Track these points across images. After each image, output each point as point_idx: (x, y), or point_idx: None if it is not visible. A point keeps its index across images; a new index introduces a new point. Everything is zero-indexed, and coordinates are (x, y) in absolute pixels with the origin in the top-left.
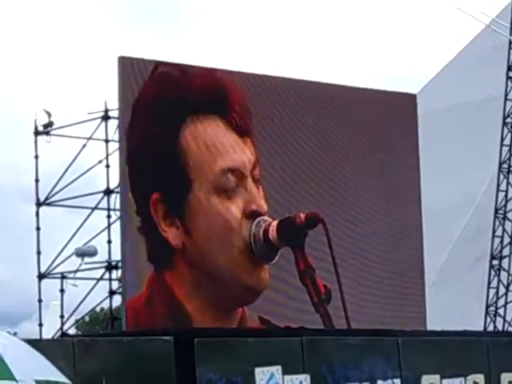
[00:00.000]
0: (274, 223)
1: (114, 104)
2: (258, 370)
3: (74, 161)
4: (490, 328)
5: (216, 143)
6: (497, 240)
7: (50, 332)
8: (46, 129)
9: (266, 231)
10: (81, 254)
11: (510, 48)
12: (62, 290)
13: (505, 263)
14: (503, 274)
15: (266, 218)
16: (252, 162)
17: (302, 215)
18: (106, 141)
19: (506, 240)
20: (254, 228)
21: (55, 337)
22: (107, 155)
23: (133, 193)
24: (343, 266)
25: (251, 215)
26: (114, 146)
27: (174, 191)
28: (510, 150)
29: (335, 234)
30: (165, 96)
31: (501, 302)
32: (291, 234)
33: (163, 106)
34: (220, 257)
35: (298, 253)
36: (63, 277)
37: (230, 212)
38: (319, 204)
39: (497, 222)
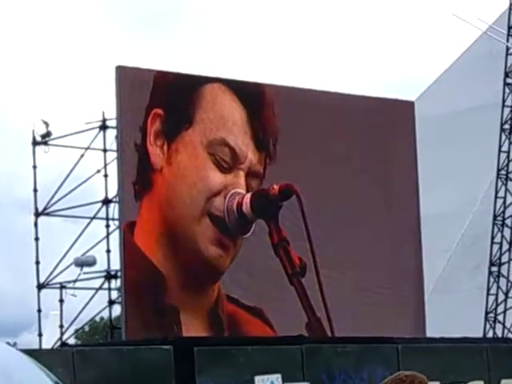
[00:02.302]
0: (248, 195)
1: (111, 114)
2: (257, 379)
3: (72, 171)
4: (490, 334)
5: (228, 118)
6: (496, 246)
7: (49, 342)
8: (44, 139)
9: (239, 204)
10: (80, 263)
11: (507, 54)
12: (61, 300)
13: (504, 270)
14: (502, 281)
15: (239, 190)
16: (253, 162)
17: (276, 187)
18: (104, 150)
19: (505, 246)
20: (227, 201)
21: (55, 347)
22: (105, 165)
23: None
24: (342, 274)
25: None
26: (111, 156)
27: (176, 118)
28: (507, 157)
29: (334, 242)
30: None
31: (500, 308)
32: (265, 206)
33: None
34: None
35: (271, 225)
36: (62, 287)
37: (215, 176)
38: (317, 210)
39: (495, 229)
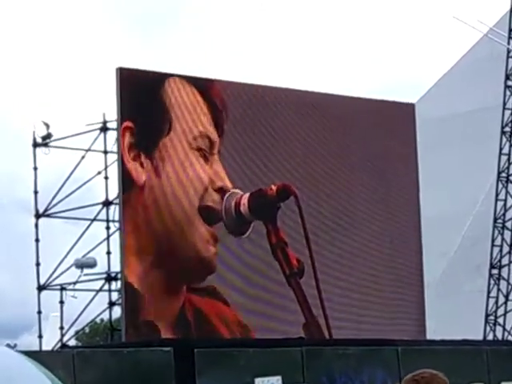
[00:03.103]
0: (246, 196)
1: (112, 115)
2: (258, 381)
3: (72, 172)
4: (490, 337)
5: (197, 110)
6: (496, 249)
7: (49, 343)
8: (45, 141)
9: (237, 204)
10: (80, 265)
11: (507, 57)
12: (61, 302)
13: (504, 272)
14: (503, 283)
15: (237, 191)
16: (216, 144)
17: (274, 187)
18: (105, 152)
19: (505, 249)
20: (225, 201)
21: (55, 348)
22: (106, 166)
23: None
24: (344, 276)
25: (218, 190)
26: (112, 158)
27: (149, 126)
28: (508, 159)
29: (334, 243)
30: None
31: (500, 310)
32: (263, 207)
33: None
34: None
35: (269, 226)
36: (63, 288)
37: (204, 170)
38: (318, 213)
39: (496, 231)
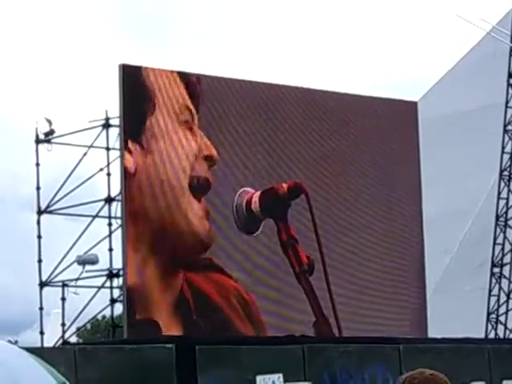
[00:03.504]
0: (257, 194)
1: (114, 112)
2: (259, 378)
3: (74, 169)
4: (492, 335)
5: (177, 84)
6: (498, 247)
7: (51, 340)
8: (47, 137)
9: (248, 202)
10: (82, 262)
11: (510, 55)
12: (63, 298)
13: (506, 271)
14: (504, 282)
15: (248, 189)
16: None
17: (285, 185)
18: (107, 149)
19: (507, 247)
20: (236, 199)
21: (57, 345)
22: (108, 163)
23: None
24: (345, 273)
25: (205, 158)
26: (114, 154)
27: (134, 112)
28: (510, 158)
29: (336, 241)
30: None
31: (502, 309)
32: (274, 205)
33: None
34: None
35: (280, 224)
36: (64, 285)
37: (194, 141)
38: (320, 210)
39: (498, 230)
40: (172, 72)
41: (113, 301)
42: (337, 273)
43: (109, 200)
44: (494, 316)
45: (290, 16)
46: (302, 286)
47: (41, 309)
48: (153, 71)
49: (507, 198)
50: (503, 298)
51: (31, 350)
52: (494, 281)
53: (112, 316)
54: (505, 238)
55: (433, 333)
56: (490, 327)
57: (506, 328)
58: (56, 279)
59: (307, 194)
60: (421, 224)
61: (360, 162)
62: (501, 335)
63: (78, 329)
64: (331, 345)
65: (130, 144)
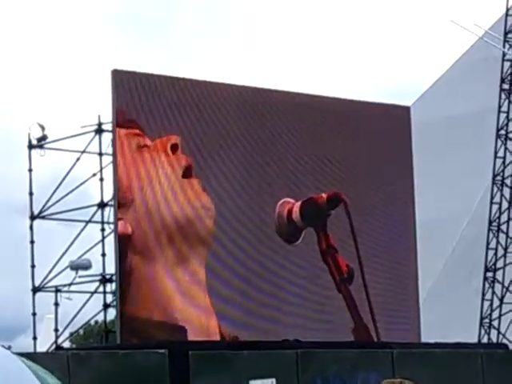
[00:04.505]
0: (298, 204)
1: (107, 117)
2: (252, 383)
3: (67, 174)
4: (485, 340)
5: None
6: (491, 252)
7: (44, 345)
8: (40, 142)
9: (289, 211)
10: (75, 267)
11: (503, 60)
12: (56, 304)
13: (499, 275)
14: (497, 286)
15: (289, 199)
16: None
17: (324, 195)
18: (100, 154)
19: (500, 252)
20: (278, 208)
21: (50, 350)
22: (101, 168)
23: None
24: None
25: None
26: (107, 160)
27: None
28: (503, 162)
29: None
30: None
31: (495, 313)
32: (314, 214)
33: None
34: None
35: (320, 233)
36: (57, 290)
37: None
38: None
39: (491, 234)
40: (167, 77)
41: (106, 306)
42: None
43: (102, 205)
44: (487, 321)
45: (284, 22)
46: (342, 294)
47: (34, 314)
48: (145, 76)
49: (500, 203)
50: (496, 302)
51: (24, 356)
52: (487, 285)
53: (105, 321)
54: (498, 242)
55: (426, 337)
56: (483, 332)
57: (499, 332)
58: (49, 284)
59: (346, 203)
60: (414, 229)
61: (352, 167)
62: (494, 340)
63: (71, 334)
64: (324, 350)
65: (119, 213)
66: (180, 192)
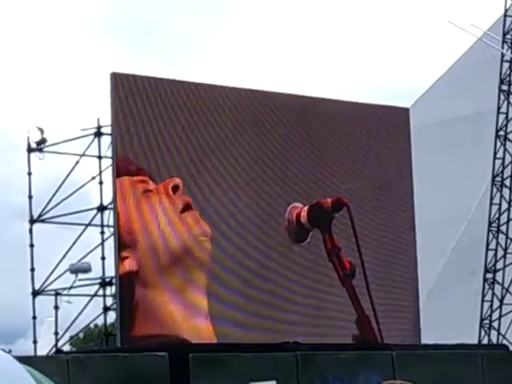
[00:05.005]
0: (305, 208)
1: (106, 120)
2: None
3: (67, 177)
4: (485, 341)
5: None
6: (491, 253)
7: (44, 349)
8: (39, 146)
9: (298, 215)
10: (75, 270)
11: (502, 61)
12: (56, 307)
13: (499, 276)
14: (497, 287)
15: (297, 204)
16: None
17: (329, 200)
18: (99, 157)
19: (500, 253)
20: (287, 213)
21: (50, 353)
22: (100, 171)
23: None
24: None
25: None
26: (106, 163)
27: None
28: (502, 163)
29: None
30: None
31: (495, 315)
32: (319, 217)
33: None
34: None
35: (325, 234)
36: (57, 293)
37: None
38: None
39: (490, 235)
40: (166, 80)
41: (106, 309)
42: (334, 277)
43: (101, 208)
44: (487, 322)
45: (281, 23)
46: (346, 288)
47: (34, 318)
48: (144, 79)
49: (499, 204)
50: (496, 303)
51: (24, 359)
52: (487, 286)
53: (105, 324)
54: (497, 243)
55: (426, 339)
56: (483, 333)
57: (499, 334)
58: (49, 288)
59: (348, 206)
60: (413, 230)
61: (351, 169)
62: (494, 341)
63: (71, 337)
64: (324, 352)
65: (124, 253)
66: (180, 225)
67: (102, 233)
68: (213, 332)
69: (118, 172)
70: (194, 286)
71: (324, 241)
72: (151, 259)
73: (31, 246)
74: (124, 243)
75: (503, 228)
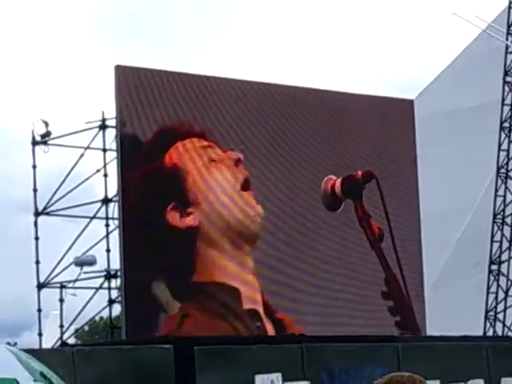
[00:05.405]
0: (339, 180)
1: (111, 113)
2: (258, 378)
3: (71, 170)
4: (490, 333)
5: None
6: (496, 245)
7: (50, 341)
8: (44, 138)
9: (332, 186)
10: (80, 263)
11: (506, 52)
12: (61, 300)
13: (504, 268)
14: (502, 279)
15: (332, 176)
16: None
17: (360, 172)
18: (104, 150)
19: (505, 245)
20: (323, 184)
21: (55, 346)
22: (105, 164)
23: None
24: (343, 271)
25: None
26: (111, 155)
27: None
28: (507, 155)
29: (334, 234)
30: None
31: (500, 306)
32: (351, 187)
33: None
34: None
35: (357, 203)
36: (62, 286)
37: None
38: (316, 210)
39: (495, 227)
40: (170, 72)
41: (111, 301)
42: (333, 272)
43: (106, 201)
44: (492, 313)
45: (287, 16)
46: (375, 251)
47: (39, 310)
48: (148, 71)
49: (504, 196)
50: (501, 295)
51: (30, 352)
52: (492, 278)
53: (110, 317)
54: (502, 235)
55: (431, 331)
56: (488, 325)
57: (504, 325)
58: (54, 281)
59: (377, 178)
60: (418, 222)
61: (355, 161)
62: (499, 333)
63: (77, 330)
64: (330, 344)
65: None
66: (238, 200)
67: (107, 225)
68: (258, 285)
69: (179, 136)
70: (242, 253)
71: (356, 209)
72: (209, 222)
73: (36, 238)
74: (190, 201)
75: (508, 220)
